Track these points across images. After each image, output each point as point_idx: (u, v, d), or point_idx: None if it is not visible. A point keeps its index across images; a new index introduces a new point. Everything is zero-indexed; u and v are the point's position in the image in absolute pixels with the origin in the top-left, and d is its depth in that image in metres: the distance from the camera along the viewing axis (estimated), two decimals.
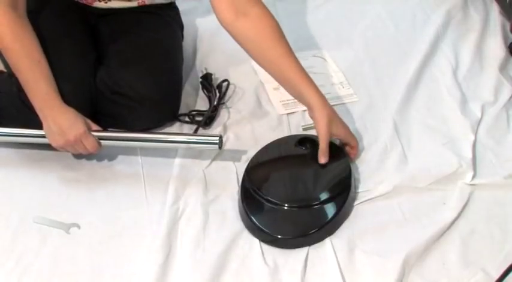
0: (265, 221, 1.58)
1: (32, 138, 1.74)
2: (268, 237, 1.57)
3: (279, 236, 1.56)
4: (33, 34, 1.67)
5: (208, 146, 1.71)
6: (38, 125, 1.69)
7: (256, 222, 1.58)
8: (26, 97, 1.68)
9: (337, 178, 1.65)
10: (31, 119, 1.70)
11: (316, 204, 1.59)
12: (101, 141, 1.70)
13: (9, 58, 1.66)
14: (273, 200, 1.59)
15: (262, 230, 1.57)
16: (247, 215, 1.60)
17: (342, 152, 1.71)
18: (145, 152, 1.81)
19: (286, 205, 1.58)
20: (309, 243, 1.55)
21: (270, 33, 1.65)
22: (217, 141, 1.69)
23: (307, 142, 1.74)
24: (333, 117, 1.66)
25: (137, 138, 1.74)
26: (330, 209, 1.59)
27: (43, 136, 1.70)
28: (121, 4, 1.91)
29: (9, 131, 1.75)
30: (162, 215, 1.63)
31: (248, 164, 1.72)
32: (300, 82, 1.65)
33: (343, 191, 1.62)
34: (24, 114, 1.73)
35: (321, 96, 1.66)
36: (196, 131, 1.85)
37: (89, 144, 1.68)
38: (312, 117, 1.68)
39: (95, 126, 1.71)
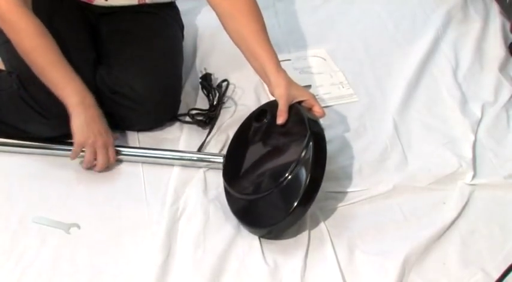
0: (252, 216, 1.58)
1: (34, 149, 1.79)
2: (262, 231, 1.57)
3: (272, 225, 1.54)
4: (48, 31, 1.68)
5: (214, 164, 1.75)
6: (37, 123, 1.70)
7: (246, 220, 1.59)
8: (26, 94, 1.69)
9: (297, 138, 1.58)
10: (31, 116, 1.71)
11: (289, 175, 1.53)
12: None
13: (37, 58, 1.66)
14: (249, 193, 1.59)
15: (254, 226, 1.57)
16: (236, 215, 1.61)
17: (296, 109, 1.65)
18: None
19: (263, 192, 1.56)
20: (306, 211, 1.54)
21: (246, 12, 1.73)
22: (222, 160, 1.73)
23: (264, 114, 1.71)
24: (291, 82, 1.68)
25: (149, 155, 1.79)
26: (303, 171, 1.52)
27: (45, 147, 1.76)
28: (121, 2, 1.91)
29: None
30: (162, 215, 1.62)
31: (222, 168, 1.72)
32: (263, 56, 1.69)
33: (307, 145, 1.54)
34: (24, 112, 1.73)
35: (280, 68, 1.69)
36: (200, 148, 1.84)
37: (112, 155, 1.72)
38: (271, 89, 1.68)
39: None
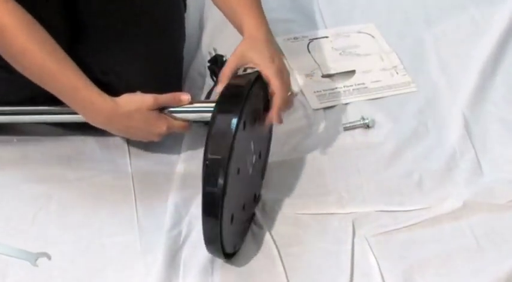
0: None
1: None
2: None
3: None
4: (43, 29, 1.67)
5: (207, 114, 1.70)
6: (19, 86, 1.73)
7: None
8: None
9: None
10: (11, 80, 1.72)
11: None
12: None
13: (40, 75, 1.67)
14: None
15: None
16: None
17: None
18: (137, 158, 1.80)
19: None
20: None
21: None
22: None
23: None
24: (260, 40, 1.70)
25: None
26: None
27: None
28: None
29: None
30: (158, 242, 1.62)
31: None
32: (243, 12, 1.75)
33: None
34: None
35: (257, 23, 1.73)
36: None
37: (163, 123, 1.69)
38: None
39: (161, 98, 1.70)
